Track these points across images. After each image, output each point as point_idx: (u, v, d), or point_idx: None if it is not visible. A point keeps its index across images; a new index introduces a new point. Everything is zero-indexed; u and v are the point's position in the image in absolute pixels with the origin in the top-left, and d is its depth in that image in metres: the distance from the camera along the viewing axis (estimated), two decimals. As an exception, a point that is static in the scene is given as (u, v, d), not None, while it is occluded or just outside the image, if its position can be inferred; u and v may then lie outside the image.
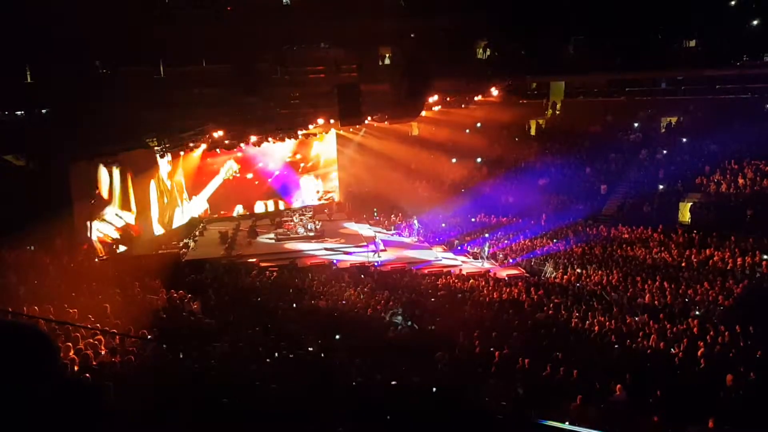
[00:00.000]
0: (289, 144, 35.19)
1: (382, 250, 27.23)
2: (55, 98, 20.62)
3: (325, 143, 37.40)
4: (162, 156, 29.08)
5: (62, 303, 12.00)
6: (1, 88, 19.65)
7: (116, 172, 26.46)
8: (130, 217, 27.64)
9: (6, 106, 21.10)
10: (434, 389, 10.48)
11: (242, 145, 31.70)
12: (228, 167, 34.59)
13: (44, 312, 10.87)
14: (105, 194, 25.82)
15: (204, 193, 34.27)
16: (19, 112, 21.83)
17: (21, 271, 15.21)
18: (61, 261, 18.16)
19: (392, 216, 34.28)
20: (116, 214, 26.60)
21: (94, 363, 8.44)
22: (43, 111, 21.81)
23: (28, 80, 20.54)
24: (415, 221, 31.71)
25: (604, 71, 33.52)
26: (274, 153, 35.29)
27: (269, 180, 36.10)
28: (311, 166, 37.60)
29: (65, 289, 14.23)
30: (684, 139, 30.65)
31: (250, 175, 35.53)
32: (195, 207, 33.66)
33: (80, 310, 11.76)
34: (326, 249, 28.90)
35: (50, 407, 1.88)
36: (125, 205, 27.37)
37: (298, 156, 36.94)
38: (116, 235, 26.45)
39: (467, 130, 37.35)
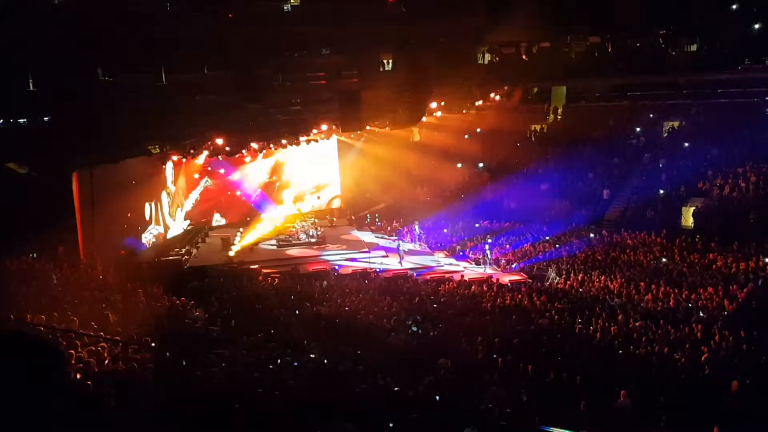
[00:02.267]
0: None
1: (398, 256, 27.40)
2: (57, 106, 20.67)
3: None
4: (164, 163, 29.14)
5: (65, 311, 12.00)
6: (3, 96, 19.69)
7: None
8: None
9: (8, 114, 21.13)
10: (437, 396, 10.45)
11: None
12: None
13: (48, 320, 10.86)
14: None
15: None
16: (21, 120, 21.87)
17: (23, 279, 15.19)
18: (63, 269, 18.14)
19: (394, 222, 34.27)
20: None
21: (97, 370, 8.42)
22: (45, 119, 21.85)
23: (30, 88, 20.57)
24: (417, 227, 31.67)
25: (605, 76, 33.58)
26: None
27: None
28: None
29: (68, 297, 14.23)
30: (686, 144, 30.62)
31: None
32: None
33: (82, 318, 11.75)
34: (328, 255, 28.89)
35: (57, 416, 1.88)
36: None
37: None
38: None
39: (468, 136, 37.35)
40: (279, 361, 11.59)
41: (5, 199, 18.71)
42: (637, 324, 16.55)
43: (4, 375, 1.82)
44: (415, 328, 16.67)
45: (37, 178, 20.65)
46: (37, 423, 1.83)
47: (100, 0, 21.67)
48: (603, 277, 22.05)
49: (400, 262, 26.99)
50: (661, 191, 28.26)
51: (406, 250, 28.58)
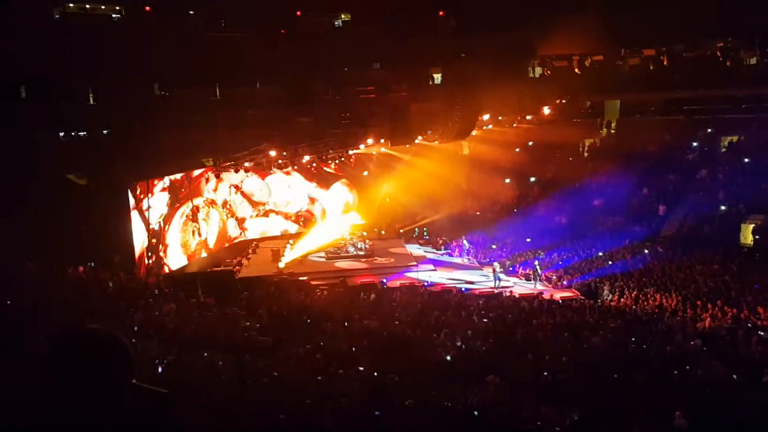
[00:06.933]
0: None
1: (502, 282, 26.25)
2: (116, 120, 21.36)
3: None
4: (218, 176, 29.66)
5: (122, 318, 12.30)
6: (64, 111, 20.45)
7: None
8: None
9: (69, 127, 21.93)
10: (486, 413, 10.29)
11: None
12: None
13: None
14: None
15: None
16: (81, 133, 22.67)
17: (83, 287, 15.65)
18: (120, 277, 18.62)
19: (442, 236, 34.08)
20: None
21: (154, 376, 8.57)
22: (104, 132, 22.59)
23: (91, 102, 21.31)
24: (465, 241, 31.42)
25: (661, 89, 32.86)
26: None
27: None
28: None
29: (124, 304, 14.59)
30: (746, 159, 29.67)
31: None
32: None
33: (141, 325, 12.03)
34: (376, 268, 28.91)
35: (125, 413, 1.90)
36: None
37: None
38: None
39: (519, 149, 36.98)
40: (328, 372, 11.61)
41: (65, 209, 19.39)
42: (692, 343, 16.02)
43: (71, 371, 1.85)
44: (460, 345, 16.40)
45: (95, 189, 21.33)
46: (107, 418, 1.85)
47: (155, 17, 22.39)
48: (658, 295, 21.44)
49: (496, 284, 25.99)
50: (723, 207, 27.41)
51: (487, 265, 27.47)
